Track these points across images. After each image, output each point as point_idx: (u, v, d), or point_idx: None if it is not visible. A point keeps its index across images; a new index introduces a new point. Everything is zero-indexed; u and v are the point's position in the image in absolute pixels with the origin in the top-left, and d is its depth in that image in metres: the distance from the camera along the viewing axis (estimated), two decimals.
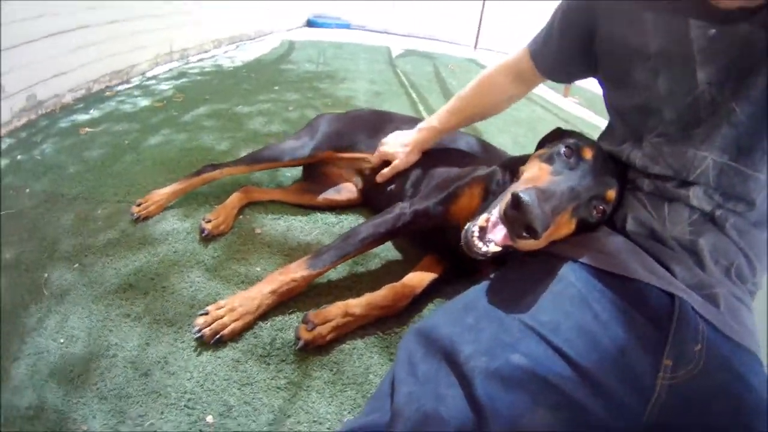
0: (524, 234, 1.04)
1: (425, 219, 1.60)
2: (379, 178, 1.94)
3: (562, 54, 1.49)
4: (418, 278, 1.63)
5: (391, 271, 1.75)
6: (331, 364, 1.37)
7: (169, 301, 1.50)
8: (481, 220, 1.17)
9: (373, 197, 2.09)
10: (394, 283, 1.58)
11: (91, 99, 3.31)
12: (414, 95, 4.50)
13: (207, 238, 1.79)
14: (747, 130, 1.05)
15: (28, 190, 2.06)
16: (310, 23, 9.33)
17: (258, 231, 1.88)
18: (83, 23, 3.35)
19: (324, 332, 1.39)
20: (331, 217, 2.05)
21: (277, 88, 3.99)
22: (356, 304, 1.47)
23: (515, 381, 0.88)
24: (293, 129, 2.90)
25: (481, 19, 10.57)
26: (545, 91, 6.11)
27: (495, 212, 1.16)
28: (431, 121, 1.88)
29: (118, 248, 1.72)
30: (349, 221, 2.04)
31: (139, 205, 1.92)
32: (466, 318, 1.05)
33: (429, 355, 1.00)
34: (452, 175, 1.71)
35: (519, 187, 1.11)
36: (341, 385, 1.31)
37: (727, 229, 1.10)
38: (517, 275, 1.19)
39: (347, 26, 10.06)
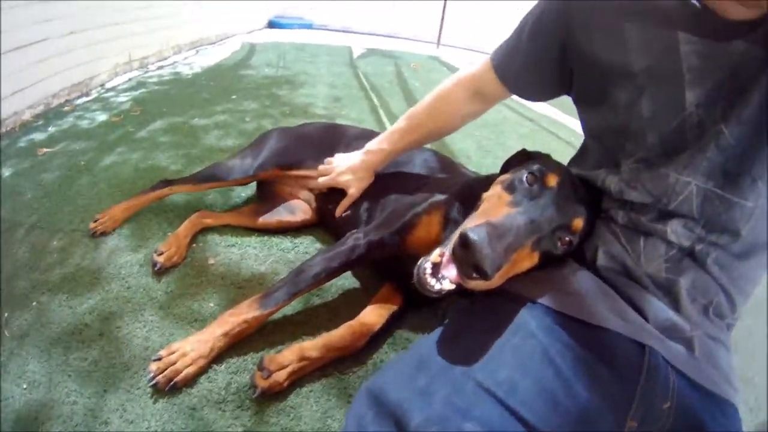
0: (474, 275, 0.97)
1: (380, 250, 1.55)
2: (338, 212, 1.89)
3: (530, 68, 1.34)
4: (376, 314, 1.59)
5: (349, 301, 1.74)
6: (289, 409, 1.34)
7: (124, 343, 1.47)
8: (435, 255, 1.08)
9: (327, 218, 2.05)
10: (351, 322, 1.55)
11: (51, 115, 3.30)
12: (375, 99, 4.51)
13: (160, 272, 1.77)
14: (735, 154, 0.97)
15: None
16: (272, 24, 9.27)
17: (211, 261, 1.85)
18: (41, 36, 3.34)
19: (280, 379, 1.35)
20: (286, 242, 2.03)
21: (234, 97, 4.00)
22: (312, 347, 1.43)
23: None
24: (248, 142, 2.82)
25: (443, 15, 10.54)
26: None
27: (448, 247, 1.06)
28: (381, 143, 1.78)
29: (72, 284, 1.69)
30: (305, 246, 2.02)
31: (95, 221, 1.94)
32: (417, 379, 0.96)
33: (379, 417, 0.92)
34: (408, 201, 1.64)
35: (470, 223, 1.06)
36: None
37: (707, 265, 1.03)
38: (474, 320, 1.10)
39: (309, 26, 10.01)
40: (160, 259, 1.78)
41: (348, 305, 1.71)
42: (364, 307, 1.64)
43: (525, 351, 0.94)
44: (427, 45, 9.51)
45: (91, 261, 1.80)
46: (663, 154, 1.04)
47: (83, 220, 2.02)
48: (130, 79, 4.32)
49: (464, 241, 0.95)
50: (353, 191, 1.84)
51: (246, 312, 1.45)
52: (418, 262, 1.09)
